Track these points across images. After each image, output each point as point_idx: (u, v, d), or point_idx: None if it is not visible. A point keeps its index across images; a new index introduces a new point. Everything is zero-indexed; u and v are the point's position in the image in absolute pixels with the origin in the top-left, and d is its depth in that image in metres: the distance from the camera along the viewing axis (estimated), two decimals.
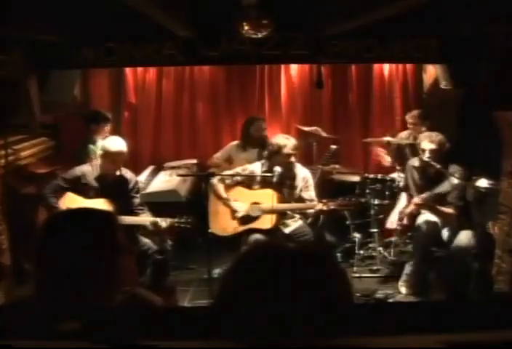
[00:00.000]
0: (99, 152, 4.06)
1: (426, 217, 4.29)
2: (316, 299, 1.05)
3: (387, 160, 5.38)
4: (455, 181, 4.13)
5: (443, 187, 4.22)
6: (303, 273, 1.08)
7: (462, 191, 4.24)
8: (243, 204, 4.31)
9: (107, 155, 3.98)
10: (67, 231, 1.58)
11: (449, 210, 4.21)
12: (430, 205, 4.24)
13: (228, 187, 4.37)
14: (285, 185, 4.34)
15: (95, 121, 5.04)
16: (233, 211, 4.31)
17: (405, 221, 4.39)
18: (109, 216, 1.72)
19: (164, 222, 3.93)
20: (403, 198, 4.70)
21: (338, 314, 1.06)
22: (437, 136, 4.23)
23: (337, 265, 1.19)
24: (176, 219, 3.95)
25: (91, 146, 4.92)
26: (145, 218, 4.01)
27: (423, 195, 4.25)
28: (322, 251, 1.15)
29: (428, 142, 4.19)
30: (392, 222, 4.60)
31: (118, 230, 1.64)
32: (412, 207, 4.31)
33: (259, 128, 5.25)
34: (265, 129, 5.32)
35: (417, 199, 4.27)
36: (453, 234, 4.22)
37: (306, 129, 5.52)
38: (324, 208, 4.18)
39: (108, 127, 5.10)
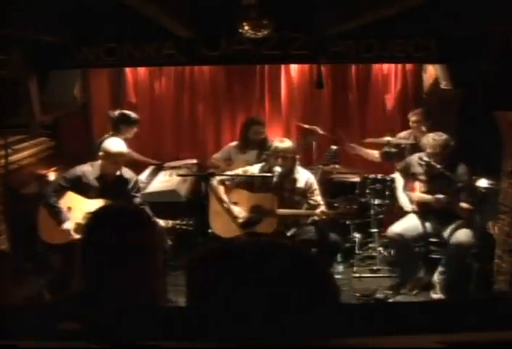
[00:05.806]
0: (100, 153, 4.05)
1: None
2: (293, 299, 1.04)
3: (375, 156, 5.37)
4: (460, 181, 4.13)
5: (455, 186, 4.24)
6: (281, 272, 1.07)
7: (473, 189, 4.25)
8: (243, 209, 4.28)
9: (107, 156, 3.98)
10: (114, 228, 1.61)
11: (466, 205, 4.19)
12: (450, 203, 4.23)
13: (228, 190, 4.34)
14: (285, 189, 4.33)
15: (123, 122, 4.91)
16: (234, 216, 4.27)
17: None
18: (148, 215, 1.77)
19: (165, 224, 3.95)
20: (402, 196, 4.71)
21: (317, 315, 1.05)
22: (440, 137, 4.23)
23: (311, 263, 1.16)
24: (178, 221, 3.96)
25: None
26: None
27: (442, 198, 4.23)
28: (297, 249, 1.14)
29: (430, 145, 4.21)
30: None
31: (157, 229, 1.68)
32: (430, 200, 4.30)
33: (257, 132, 5.24)
34: (263, 132, 5.30)
35: (438, 201, 4.26)
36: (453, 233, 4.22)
37: (306, 126, 5.53)
38: (324, 217, 4.21)
39: (132, 129, 4.98)
